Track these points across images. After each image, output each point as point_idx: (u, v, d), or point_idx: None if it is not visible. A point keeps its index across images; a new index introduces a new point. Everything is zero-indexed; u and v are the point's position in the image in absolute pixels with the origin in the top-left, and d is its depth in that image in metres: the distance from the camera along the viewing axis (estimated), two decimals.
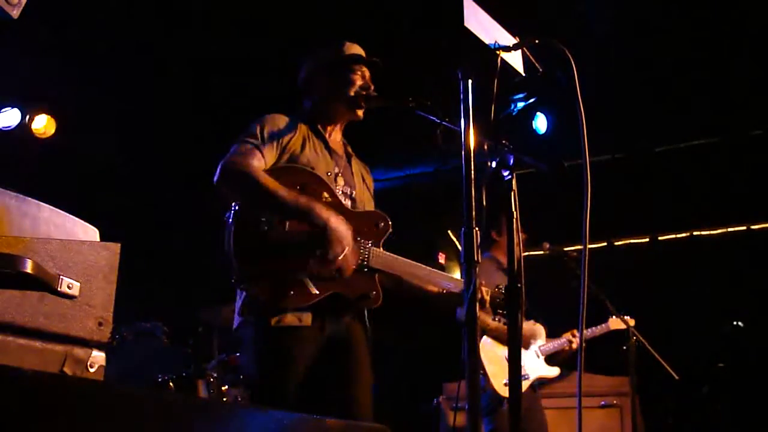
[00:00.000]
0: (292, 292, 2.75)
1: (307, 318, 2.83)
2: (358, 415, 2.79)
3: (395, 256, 3.02)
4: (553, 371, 5.19)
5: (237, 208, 2.82)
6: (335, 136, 3.22)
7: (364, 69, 3.16)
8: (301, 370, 2.79)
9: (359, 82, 3.11)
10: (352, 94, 3.10)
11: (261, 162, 2.86)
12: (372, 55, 3.18)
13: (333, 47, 3.19)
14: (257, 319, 2.82)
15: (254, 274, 2.77)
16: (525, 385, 4.98)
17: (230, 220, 2.80)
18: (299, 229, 2.80)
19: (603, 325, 5.36)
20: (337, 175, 3.07)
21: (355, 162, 3.25)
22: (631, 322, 5.18)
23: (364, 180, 3.26)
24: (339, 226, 2.78)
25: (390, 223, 3.04)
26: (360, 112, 3.14)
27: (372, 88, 3.12)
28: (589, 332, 5.35)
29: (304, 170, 2.95)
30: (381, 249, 3.00)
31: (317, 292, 2.76)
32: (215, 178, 2.82)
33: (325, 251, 2.75)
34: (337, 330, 2.93)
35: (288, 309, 2.79)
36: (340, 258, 2.77)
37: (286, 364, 2.78)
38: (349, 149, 3.28)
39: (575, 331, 5.28)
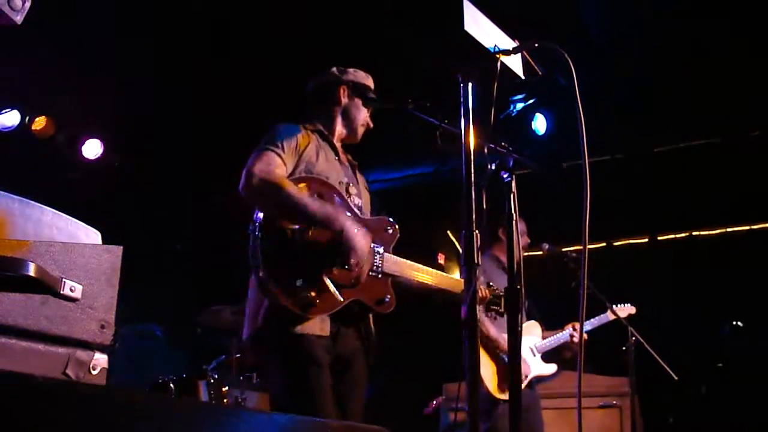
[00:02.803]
0: (318, 300, 2.79)
1: (326, 327, 2.89)
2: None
3: (406, 260, 3.13)
4: (551, 368, 5.17)
5: (261, 218, 2.85)
6: (339, 146, 3.29)
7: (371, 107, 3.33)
8: (327, 375, 2.85)
9: (366, 118, 3.30)
10: (359, 126, 3.28)
11: (283, 170, 2.92)
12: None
13: (357, 72, 3.32)
14: (280, 326, 2.84)
15: (282, 283, 2.78)
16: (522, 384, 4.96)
17: (256, 232, 2.83)
18: (321, 238, 2.84)
19: (602, 315, 5.32)
20: (348, 185, 3.15)
21: (358, 173, 3.34)
22: (632, 311, 5.18)
23: (366, 190, 3.36)
24: (359, 236, 2.86)
25: (398, 228, 3.15)
26: (358, 139, 3.32)
27: (371, 125, 3.32)
28: (588, 324, 5.32)
29: (320, 180, 3.01)
30: (391, 254, 3.09)
31: (342, 300, 2.84)
32: (241, 186, 2.86)
33: (345, 260, 2.83)
34: (347, 348, 2.98)
35: (313, 317, 2.83)
36: (357, 267, 2.85)
37: (317, 368, 2.82)
38: (351, 159, 3.36)
39: (576, 324, 5.25)
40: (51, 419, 1.08)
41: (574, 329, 5.20)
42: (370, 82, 3.34)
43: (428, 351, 6.45)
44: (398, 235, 3.14)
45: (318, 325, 2.85)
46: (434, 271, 3.25)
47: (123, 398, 1.23)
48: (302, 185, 2.91)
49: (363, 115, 3.29)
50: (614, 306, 5.23)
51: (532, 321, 5.23)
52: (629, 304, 5.28)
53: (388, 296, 3.02)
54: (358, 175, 3.32)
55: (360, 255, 2.84)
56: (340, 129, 3.28)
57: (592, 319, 5.30)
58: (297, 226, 2.84)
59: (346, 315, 2.92)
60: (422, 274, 3.20)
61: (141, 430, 1.21)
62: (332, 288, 2.80)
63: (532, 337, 5.20)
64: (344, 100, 3.27)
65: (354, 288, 2.90)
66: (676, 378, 4.78)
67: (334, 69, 3.33)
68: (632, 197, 6.80)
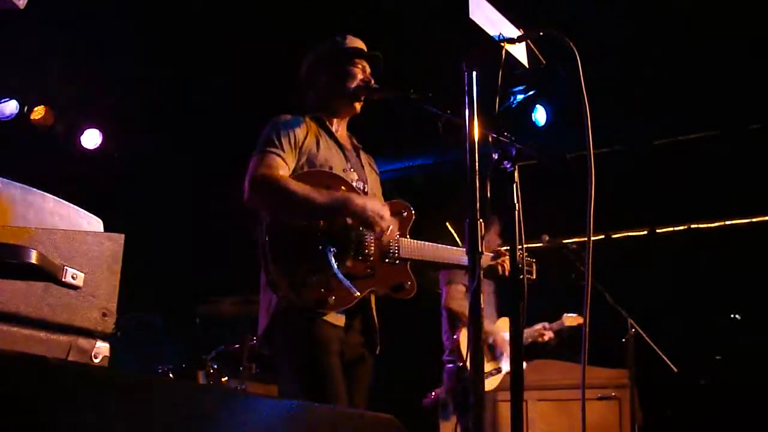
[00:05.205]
0: (333, 298, 2.74)
1: (341, 318, 2.84)
2: None
3: (422, 242, 3.05)
4: (504, 366, 5.08)
5: (269, 219, 2.79)
6: (341, 130, 3.20)
7: (365, 63, 3.14)
8: (338, 363, 2.82)
9: (360, 75, 3.10)
10: (353, 87, 3.08)
11: (285, 170, 2.85)
12: (376, 47, 3.17)
13: (334, 40, 3.16)
14: (296, 318, 2.79)
15: (294, 283, 2.73)
16: (497, 379, 4.93)
17: (264, 235, 2.76)
18: (331, 230, 2.80)
19: (558, 321, 5.44)
20: (350, 170, 3.06)
21: (363, 155, 3.24)
22: (580, 320, 5.23)
23: (373, 171, 3.27)
24: (375, 206, 2.85)
25: (413, 211, 3.08)
26: (358, 106, 3.13)
27: (372, 81, 3.10)
28: (533, 329, 5.37)
29: (323, 172, 2.94)
30: (408, 238, 3.03)
31: (358, 294, 2.77)
32: (245, 197, 2.81)
33: (372, 231, 2.84)
34: (356, 343, 2.95)
35: (327, 313, 2.78)
36: (387, 232, 2.87)
37: (329, 356, 2.78)
38: (356, 141, 3.26)
39: (546, 324, 5.32)
40: (57, 400, 1.08)
41: (545, 328, 5.25)
42: (357, 44, 3.15)
43: (428, 341, 6.45)
44: (414, 217, 3.06)
45: (333, 315, 2.81)
46: (454, 248, 3.14)
47: (127, 381, 1.22)
48: (307, 181, 2.84)
49: (353, 78, 3.07)
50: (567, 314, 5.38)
51: (504, 318, 5.18)
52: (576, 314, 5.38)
53: (408, 282, 2.95)
54: (363, 159, 3.21)
55: (380, 218, 2.83)
56: (336, 106, 3.13)
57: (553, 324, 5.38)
58: (306, 224, 2.78)
59: (354, 306, 2.85)
60: (442, 252, 3.10)
61: (144, 413, 1.20)
62: (347, 283, 2.72)
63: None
64: (329, 74, 3.12)
65: (370, 278, 2.85)
66: (675, 370, 4.78)
67: (313, 50, 3.19)
68: (631, 189, 6.79)
